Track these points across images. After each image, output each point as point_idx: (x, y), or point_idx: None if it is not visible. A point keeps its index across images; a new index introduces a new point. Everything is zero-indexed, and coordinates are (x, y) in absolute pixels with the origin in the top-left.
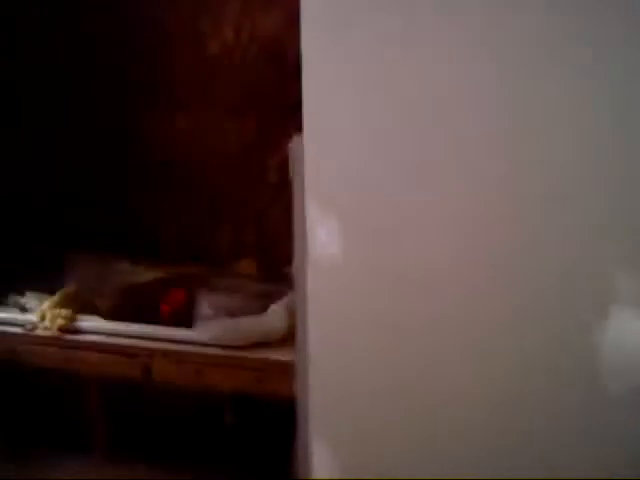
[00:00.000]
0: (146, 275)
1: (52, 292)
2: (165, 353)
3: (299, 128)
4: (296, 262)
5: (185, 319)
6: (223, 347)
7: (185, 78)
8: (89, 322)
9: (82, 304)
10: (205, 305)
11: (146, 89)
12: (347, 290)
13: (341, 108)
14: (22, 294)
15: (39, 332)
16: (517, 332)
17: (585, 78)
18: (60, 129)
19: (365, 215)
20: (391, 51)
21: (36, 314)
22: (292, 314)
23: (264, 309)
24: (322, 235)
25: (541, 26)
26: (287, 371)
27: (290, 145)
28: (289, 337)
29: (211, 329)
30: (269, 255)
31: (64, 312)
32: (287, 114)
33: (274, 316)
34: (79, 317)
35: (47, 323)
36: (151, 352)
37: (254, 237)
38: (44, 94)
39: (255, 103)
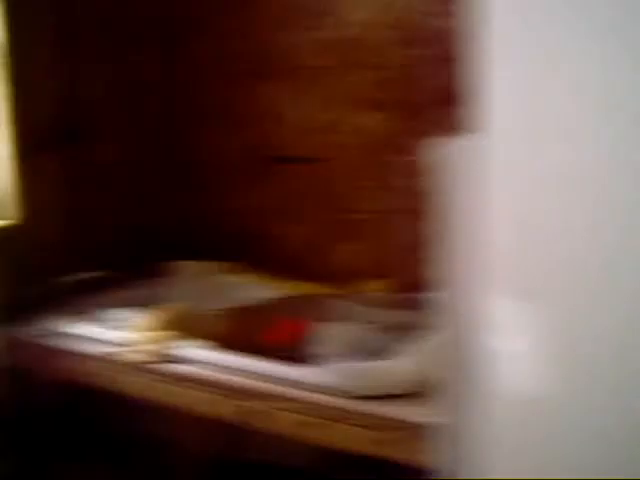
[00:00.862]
0: (257, 293)
1: (147, 307)
2: (272, 396)
3: (449, 127)
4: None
5: (293, 354)
6: (340, 396)
7: (300, 62)
8: (190, 350)
9: (184, 326)
10: (325, 339)
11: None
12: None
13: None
14: (111, 308)
15: (128, 356)
16: None
17: None
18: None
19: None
20: None
21: (127, 334)
22: (428, 360)
23: (395, 348)
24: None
25: None
26: (419, 434)
27: (425, 145)
28: (421, 388)
29: (335, 372)
30: (393, 275)
31: (162, 335)
32: (421, 108)
33: (408, 361)
34: (179, 343)
35: (140, 347)
36: (257, 393)
37: (375, 250)
38: None
39: (385, 94)
